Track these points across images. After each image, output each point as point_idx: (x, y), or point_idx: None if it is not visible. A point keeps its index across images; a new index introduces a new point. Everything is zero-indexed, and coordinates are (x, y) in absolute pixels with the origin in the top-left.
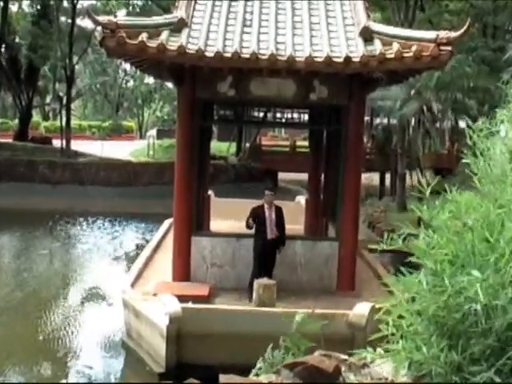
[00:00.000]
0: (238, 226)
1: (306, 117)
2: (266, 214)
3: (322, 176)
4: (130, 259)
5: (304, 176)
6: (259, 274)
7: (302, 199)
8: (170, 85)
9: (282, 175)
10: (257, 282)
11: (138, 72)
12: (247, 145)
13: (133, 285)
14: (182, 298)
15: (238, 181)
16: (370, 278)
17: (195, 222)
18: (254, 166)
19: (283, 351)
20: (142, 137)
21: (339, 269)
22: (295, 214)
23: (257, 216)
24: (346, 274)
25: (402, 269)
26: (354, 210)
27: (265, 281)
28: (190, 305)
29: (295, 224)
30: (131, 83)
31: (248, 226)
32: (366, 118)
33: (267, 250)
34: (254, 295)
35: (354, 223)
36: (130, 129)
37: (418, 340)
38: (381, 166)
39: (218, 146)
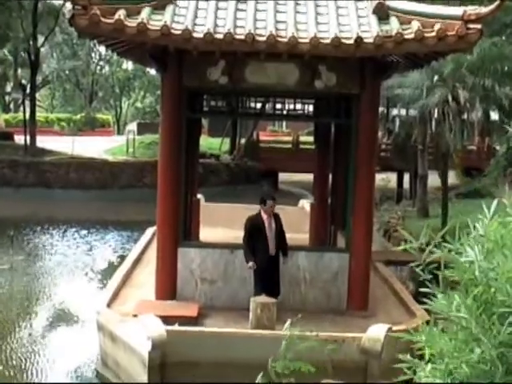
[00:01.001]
0: (232, 235)
1: (311, 108)
2: (266, 224)
3: (330, 177)
4: (106, 274)
5: (309, 177)
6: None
7: (306, 204)
8: (152, 71)
9: (283, 176)
10: (253, 301)
11: (115, 56)
12: (242, 141)
13: (109, 304)
14: (167, 320)
15: (232, 183)
16: (386, 295)
17: (182, 230)
18: (250, 166)
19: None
20: (119, 132)
21: (350, 285)
22: (298, 222)
23: (255, 229)
24: (357, 290)
25: (427, 286)
26: (367, 217)
27: (263, 299)
28: (176, 327)
29: (298, 233)
30: (107, 69)
31: (247, 245)
32: (381, 109)
33: (270, 267)
34: (251, 316)
35: (366, 232)
36: (105, 122)
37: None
38: (398, 166)
39: (208, 143)
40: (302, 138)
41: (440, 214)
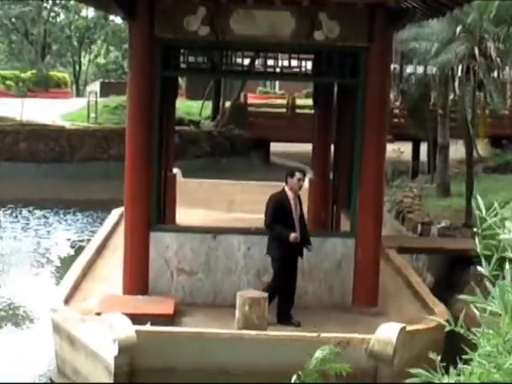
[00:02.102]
0: (215, 217)
1: (310, 65)
2: (292, 205)
3: (332, 148)
4: (64, 265)
5: (306, 148)
6: (286, 292)
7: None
8: (117, 19)
9: (275, 146)
10: (241, 296)
11: (72, 1)
12: (227, 105)
13: (67, 301)
14: (137, 319)
15: (215, 155)
16: (399, 288)
17: (155, 211)
18: (236, 135)
19: None
20: (79, 93)
21: (356, 276)
22: None
23: (280, 210)
24: (365, 283)
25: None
26: (377, 195)
27: (252, 293)
28: (147, 327)
29: None
30: (62, 17)
31: (271, 228)
32: (394, 67)
33: (295, 257)
34: (238, 313)
35: (375, 213)
36: (61, 82)
37: None
38: (414, 134)
39: (186, 107)
40: (299, 101)
41: (464, 192)
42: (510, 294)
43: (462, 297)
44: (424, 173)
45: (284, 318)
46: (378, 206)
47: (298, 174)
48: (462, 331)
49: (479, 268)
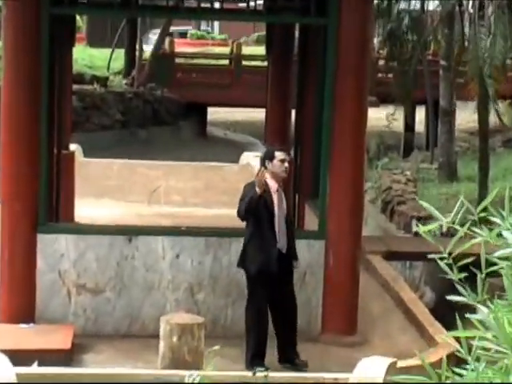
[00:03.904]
0: (132, 211)
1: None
2: (275, 199)
3: (293, 115)
4: None
5: (257, 115)
6: (275, 323)
7: (253, 159)
8: None
9: (214, 113)
10: (166, 322)
11: None
12: (146, 55)
13: None
14: (20, 356)
15: (130, 124)
16: (387, 309)
17: (44, 205)
18: (159, 97)
19: None
20: None
21: (326, 293)
22: (241, 188)
23: (257, 205)
24: (339, 302)
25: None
26: (354, 180)
27: (182, 317)
28: (34, 368)
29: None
30: None
31: (244, 218)
32: (378, 1)
33: (281, 273)
34: (162, 346)
35: (353, 205)
36: None
37: None
38: (406, 95)
39: (88, 58)
40: (247, 50)
41: (476, 175)
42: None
43: (473, 317)
44: (421, 148)
45: (285, 357)
46: (356, 195)
47: (279, 154)
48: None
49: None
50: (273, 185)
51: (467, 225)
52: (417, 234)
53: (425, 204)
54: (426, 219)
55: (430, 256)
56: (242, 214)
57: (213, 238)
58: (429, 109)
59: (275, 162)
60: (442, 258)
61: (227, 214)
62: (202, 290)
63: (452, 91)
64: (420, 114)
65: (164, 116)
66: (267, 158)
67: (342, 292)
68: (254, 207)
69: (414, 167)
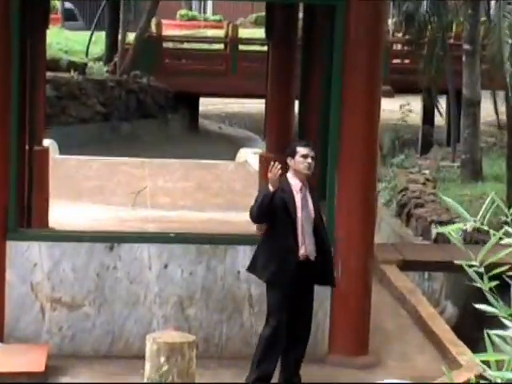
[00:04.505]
0: (114, 215)
1: None
2: (297, 199)
3: (296, 106)
4: None
5: (256, 106)
6: (285, 349)
7: (251, 156)
8: None
9: (207, 104)
10: (153, 340)
11: None
12: (131, 37)
13: None
14: None
15: (112, 117)
16: (403, 326)
17: (14, 209)
18: (145, 85)
19: None
20: None
21: (334, 308)
22: (238, 188)
23: (275, 206)
24: (348, 319)
25: None
26: (366, 180)
27: (171, 336)
28: None
29: (238, 209)
30: None
31: (258, 220)
32: None
33: (301, 285)
34: (148, 368)
35: (364, 208)
36: None
37: None
38: (426, 83)
39: (65, 41)
40: (244, 32)
41: (504, 174)
42: None
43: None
44: (441, 144)
45: (286, 379)
46: (367, 197)
47: (301, 149)
48: None
49: None
50: (295, 183)
51: (503, 229)
52: (437, 240)
53: (450, 201)
54: (447, 224)
55: (457, 262)
56: (254, 216)
57: (206, 246)
58: (450, 99)
59: (297, 157)
60: (470, 266)
61: (222, 217)
62: (194, 304)
63: (476, 80)
64: (440, 105)
65: (150, 107)
66: (289, 154)
67: (351, 307)
68: (268, 208)
69: (434, 165)
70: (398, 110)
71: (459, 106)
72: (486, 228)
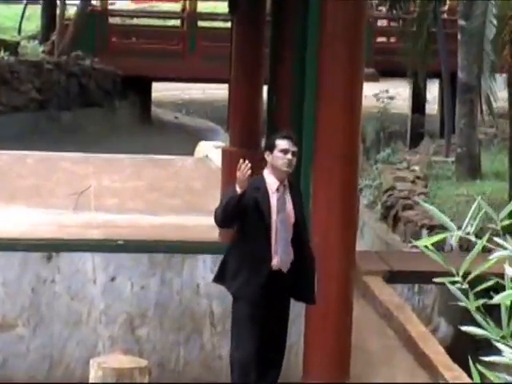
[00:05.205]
0: (53, 220)
1: None
2: (273, 200)
3: (265, 93)
4: None
5: (218, 92)
6: (262, 363)
7: (213, 150)
8: None
9: (161, 89)
10: (98, 365)
11: None
12: (71, 11)
13: None
14: None
15: (50, 105)
16: (390, 348)
17: None
18: (88, 68)
19: None
20: None
21: (309, 327)
22: (196, 188)
23: (248, 206)
24: (326, 337)
25: None
26: (345, 179)
27: (118, 360)
28: None
29: (197, 210)
30: None
31: (223, 224)
32: None
33: (272, 305)
34: None
35: (344, 210)
36: None
37: None
38: (414, 65)
39: None
40: (203, 6)
41: (506, 170)
42: None
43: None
44: (433, 136)
45: None
46: (347, 199)
47: (280, 142)
48: None
49: None
50: (271, 182)
51: (486, 236)
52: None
53: (431, 208)
54: (440, 229)
55: (437, 280)
56: (218, 220)
57: (160, 255)
58: (444, 84)
59: (276, 152)
60: (453, 283)
61: (179, 222)
62: (146, 323)
63: (474, 62)
64: (432, 90)
65: (94, 94)
66: (267, 147)
67: (329, 325)
68: (234, 211)
69: (425, 160)
70: (385, 96)
71: (454, 92)
72: (472, 238)
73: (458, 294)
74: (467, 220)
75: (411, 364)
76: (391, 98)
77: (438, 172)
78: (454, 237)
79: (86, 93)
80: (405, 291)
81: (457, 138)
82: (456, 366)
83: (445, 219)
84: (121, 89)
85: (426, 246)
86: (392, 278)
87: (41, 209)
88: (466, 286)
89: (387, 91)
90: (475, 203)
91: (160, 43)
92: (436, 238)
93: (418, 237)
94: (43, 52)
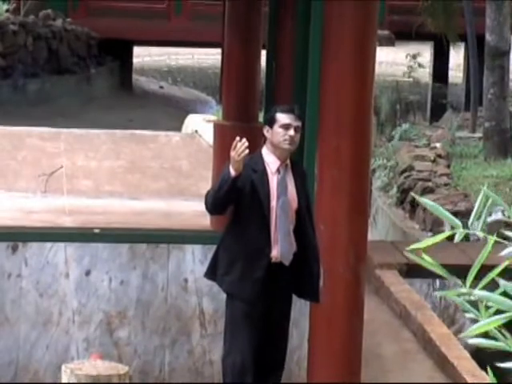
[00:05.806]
0: (18, 204)
1: None
2: (272, 182)
3: (263, 59)
4: None
5: (209, 58)
6: (262, 366)
7: (203, 125)
8: None
9: (143, 54)
10: (71, 371)
11: None
12: None
13: None
14: None
15: (15, 72)
16: (408, 351)
17: None
18: (58, 30)
19: None
20: None
21: (315, 326)
22: (185, 169)
23: (246, 187)
24: (333, 340)
25: None
26: (354, 158)
27: (92, 366)
28: None
29: (185, 194)
30: None
31: (214, 210)
32: None
33: (271, 302)
34: None
35: (353, 195)
36: None
37: None
38: (437, 27)
39: None
40: None
41: None
42: None
43: None
44: (458, 108)
45: None
46: (358, 181)
47: (282, 116)
48: None
49: None
50: (271, 162)
51: (492, 240)
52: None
53: (431, 204)
54: (465, 215)
55: (439, 293)
56: (210, 206)
57: (142, 245)
58: (469, 48)
59: (276, 127)
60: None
61: (164, 207)
62: (126, 323)
63: (505, 21)
64: (456, 55)
65: (67, 59)
66: (266, 122)
67: (337, 326)
68: (227, 196)
69: (448, 136)
70: (401, 62)
71: (481, 57)
72: (480, 234)
73: (467, 306)
74: (473, 213)
75: (431, 370)
76: (420, 65)
77: (462, 150)
78: (457, 235)
79: (57, 58)
80: (424, 287)
81: (484, 111)
82: (482, 373)
83: (448, 216)
84: (97, 54)
85: (423, 250)
86: (409, 271)
87: (4, 192)
88: (474, 297)
89: (418, 55)
90: (481, 193)
91: (142, 1)
92: (437, 238)
93: (439, 224)
94: (7, 11)
